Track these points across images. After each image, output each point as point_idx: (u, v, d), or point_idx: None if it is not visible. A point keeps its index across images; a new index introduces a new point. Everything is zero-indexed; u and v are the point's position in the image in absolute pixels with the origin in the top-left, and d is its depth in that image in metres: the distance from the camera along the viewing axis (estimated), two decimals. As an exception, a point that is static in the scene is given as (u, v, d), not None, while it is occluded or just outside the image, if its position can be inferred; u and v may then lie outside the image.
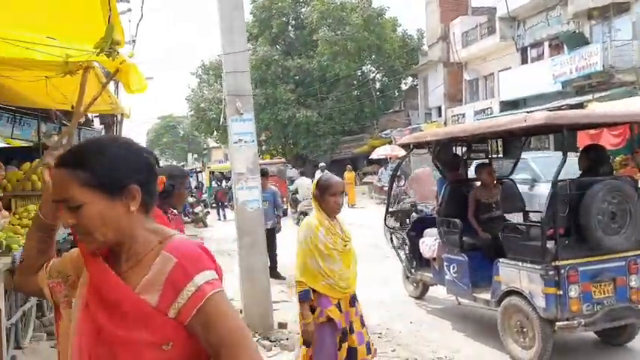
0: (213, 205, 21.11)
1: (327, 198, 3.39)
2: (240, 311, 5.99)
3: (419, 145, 6.88)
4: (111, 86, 6.25)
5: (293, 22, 35.83)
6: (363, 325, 3.53)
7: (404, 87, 36.24)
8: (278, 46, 34.39)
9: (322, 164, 16.96)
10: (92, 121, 10.02)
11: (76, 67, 3.50)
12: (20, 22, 3.74)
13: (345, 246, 3.45)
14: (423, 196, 10.25)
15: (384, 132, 30.25)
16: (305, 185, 15.86)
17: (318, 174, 12.68)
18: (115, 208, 1.28)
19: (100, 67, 4.90)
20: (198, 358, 1.26)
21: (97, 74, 4.75)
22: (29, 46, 3.73)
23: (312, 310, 3.37)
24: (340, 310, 3.37)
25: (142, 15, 8.68)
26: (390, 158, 23.41)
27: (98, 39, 3.15)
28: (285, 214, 17.48)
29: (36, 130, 9.66)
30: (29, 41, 3.69)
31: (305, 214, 15.07)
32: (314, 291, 3.36)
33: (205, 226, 17.90)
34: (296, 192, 16.71)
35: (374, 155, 26.37)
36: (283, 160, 27.10)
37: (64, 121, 9.49)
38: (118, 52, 3.02)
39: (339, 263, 3.39)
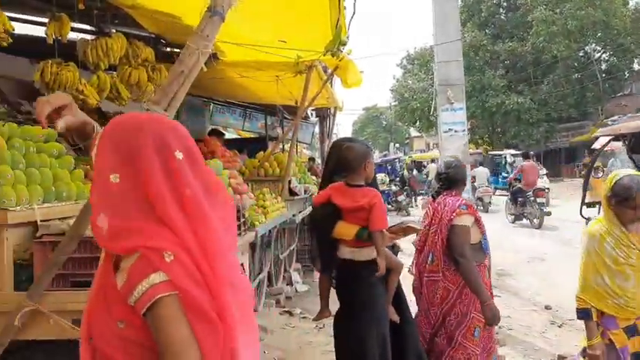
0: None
1: (624, 210, 2.79)
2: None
3: (615, 138, 6.25)
4: (327, 81, 6.70)
5: (504, 4, 33.93)
6: None
7: (637, 67, 31.61)
8: (487, 31, 32.91)
9: None
10: (311, 115, 10.84)
11: (304, 66, 3.84)
12: (256, 27, 4.19)
13: None
14: (529, 183, 13.76)
15: (611, 118, 26.79)
16: (483, 174, 18.79)
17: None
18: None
19: (320, 65, 5.31)
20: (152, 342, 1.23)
21: (318, 71, 5.16)
22: (265, 50, 4.20)
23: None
24: (635, 334, 2.85)
25: (354, 11, 9.03)
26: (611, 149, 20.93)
27: (322, 39, 3.41)
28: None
29: (262, 123, 10.94)
30: (264, 45, 4.15)
31: (480, 199, 17.58)
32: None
33: (408, 215, 18.33)
34: (474, 179, 18.50)
35: (597, 145, 23.54)
36: (480, 150, 26.41)
37: (285, 115, 10.50)
38: (341, 51, 3.22)
39: (633, 280, 2.80)
